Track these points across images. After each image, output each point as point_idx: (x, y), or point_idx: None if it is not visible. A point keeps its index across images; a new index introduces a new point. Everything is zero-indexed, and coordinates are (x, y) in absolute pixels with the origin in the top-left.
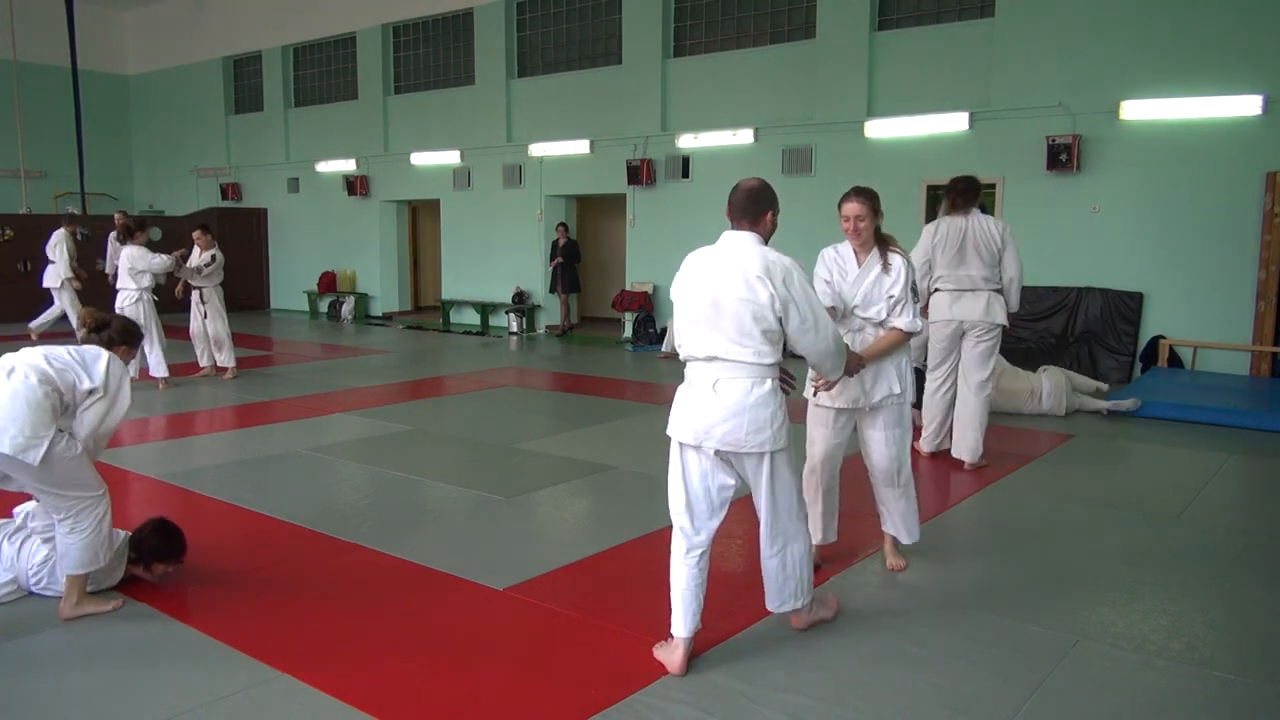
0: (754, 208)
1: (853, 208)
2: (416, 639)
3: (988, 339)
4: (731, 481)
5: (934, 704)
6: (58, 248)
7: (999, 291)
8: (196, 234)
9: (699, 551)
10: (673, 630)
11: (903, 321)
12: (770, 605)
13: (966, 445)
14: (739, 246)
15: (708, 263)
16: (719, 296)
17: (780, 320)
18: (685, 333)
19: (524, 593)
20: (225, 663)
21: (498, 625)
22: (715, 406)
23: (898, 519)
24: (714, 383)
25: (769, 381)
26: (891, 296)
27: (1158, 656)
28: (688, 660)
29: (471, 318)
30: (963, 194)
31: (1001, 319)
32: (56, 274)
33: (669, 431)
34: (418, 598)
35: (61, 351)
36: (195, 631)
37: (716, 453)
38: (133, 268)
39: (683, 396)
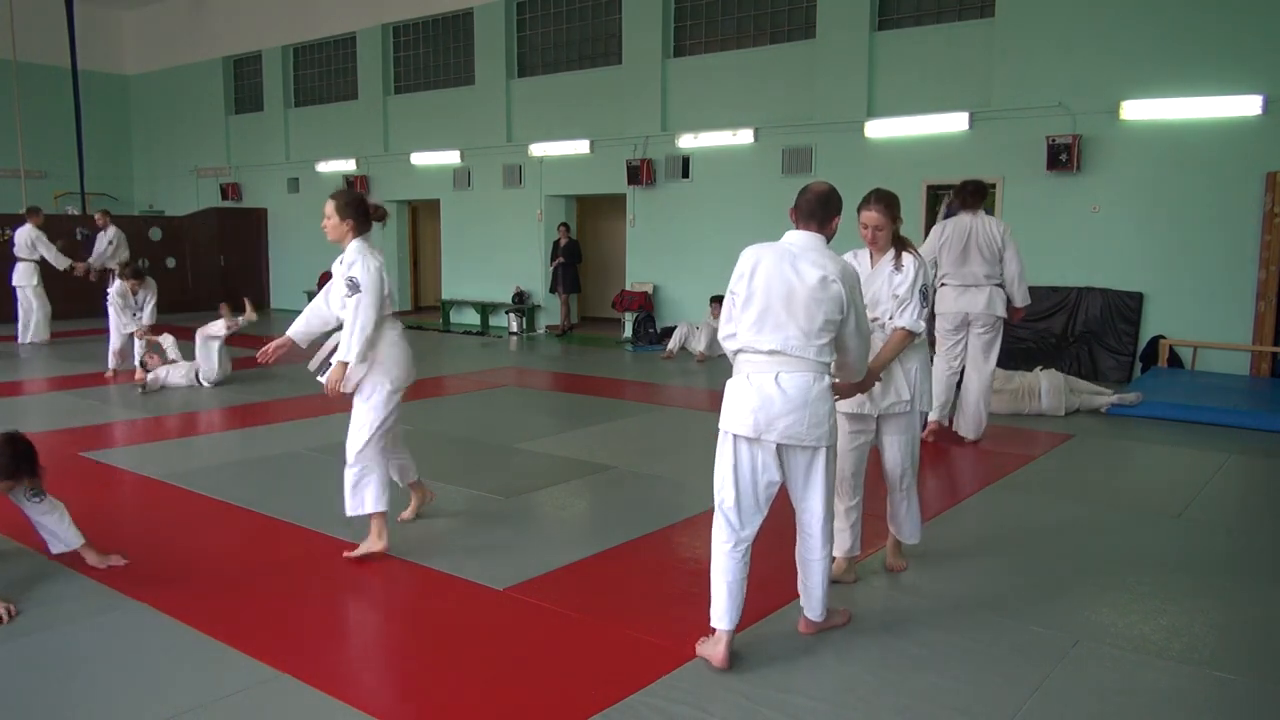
0: (823, 211)
1: (871, 217)
2: (417, 639)
3: (990, 331)
4: (779, 478)
5: (934, 704)
6: (37, 244)
7: (1000, 286)
8: (132, 283)
9: (745, 546)
10: (715, 624)
11: (904, 320)
12: (814, 614)
13: (972, 424)
14: (814, 248)
15: (780, 259)
16: (794, 294)
17: (841, 321)
18: (747, 325)
19: (524, 593)
20: (225, 663)
21: (498, 625)
22: (779, 400)
23: (900, 519)
24: (776, 376)
25: (826, 377)
26: (896, 296)
27: (1158, 656)
28: (730, 654)
29: (471, 318)
30: (973, 194)
31: (1000, 312)
32: (31, 272)
33: (723, 425)
34: (418, 598)
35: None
36: (195, 631)
37: (777, 447)
38: (114, 300)
39: (739, 389)
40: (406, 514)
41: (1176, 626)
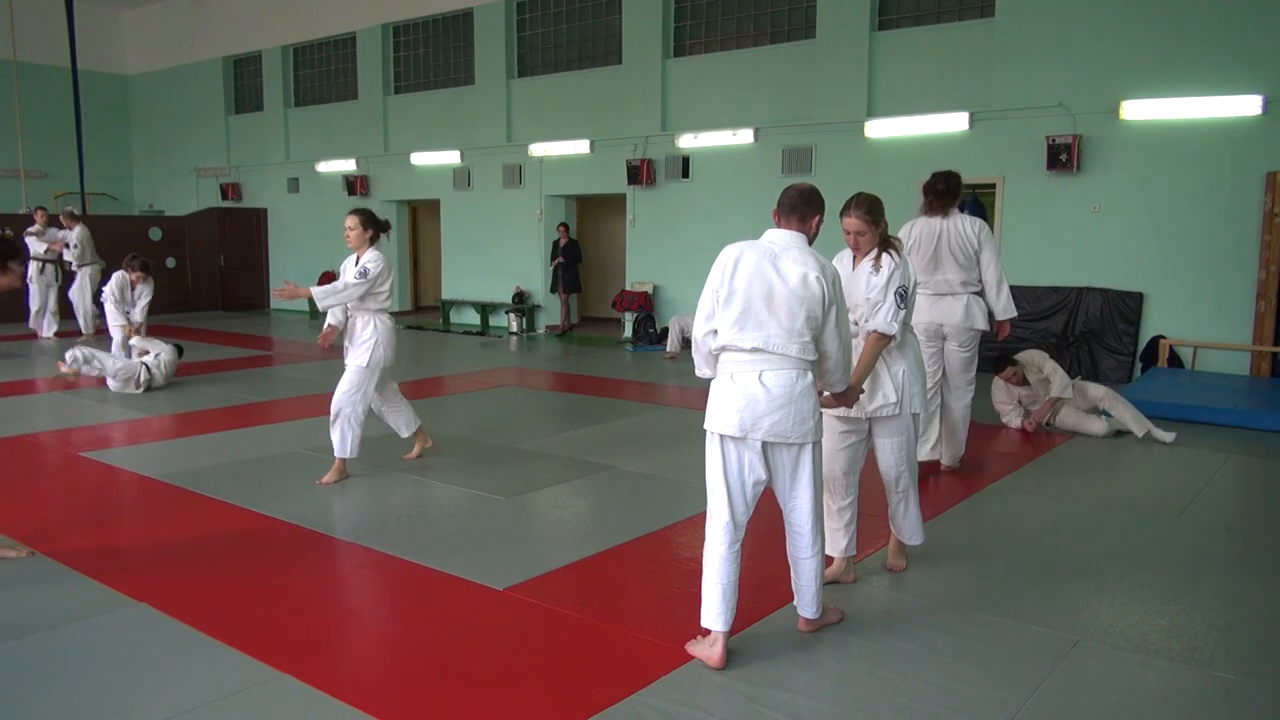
0: (805, 207)
1: (852, 223)
2: (416, 639)
3: (968, 347)
4: (765, 477)
5: (934, 704)
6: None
7: (979, 295)
8: (136, 275)
9: (739, 545)
10: (710, 625)
11: (876, 322)
12: (808, 612)
13: (949, 450)
14: (795, 245)
15: (761, 257)
16: (775, 291)
17: (822, 320)
18: (728, 324)
19: (524, 593)
20: (225, 663)
21: (498, 625)
22: (763, 398)
23: (898, 521)
24: (759, 374)
25: (810, 374)
26: (868, 299)
27: (1158, 656)
28: (726, 654)
29: (471, 318)
30: (940, 195)
31: (981, 324)
32: (38, 270)
33: (708, 425)
34: (418, 598)
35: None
36: (195, 631)
37: (762, 445)
38: (111, 293)
39: (724, 389)
40: (411, 454)
41: (1176, 626)
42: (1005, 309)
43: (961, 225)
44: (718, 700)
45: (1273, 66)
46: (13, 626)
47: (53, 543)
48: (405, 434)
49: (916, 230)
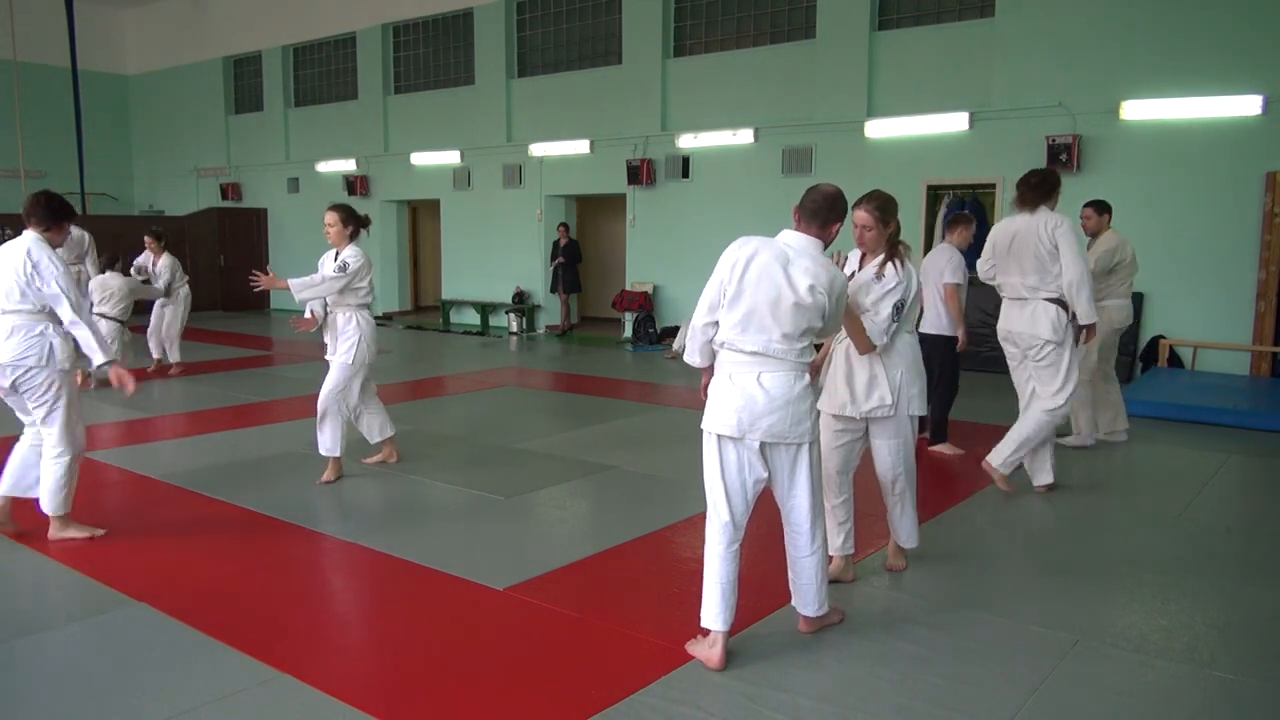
0: (829, 213)
1: (860, 216)
2: (416, 639)
3: (1043, 356)
4: (765, 475)
5: (934, 704)
6: None
7: (1056, 301)
8: (148, 240)
9: (738, 545)
10: (709, 625)
11: (868, 328)
12: (809, 610)
13: (999, 449)
14: (810, 253)
15: (774, 259)
16: (783, 299)
17: (822, 329)
18: (731, 324)
19: (524, 593)
20: (225, 663)
21: (498, 625)
22: (762, 399)
23: (895, 522)
24: (758, 376)
25: (806, 375)
26: (863, 309)
27: (1158, 656)
28: (726, 654)
29: (471, 318)
30: (1033, 188)
31: (1047, 333)
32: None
33: (706, 425)
34: (418, 598)
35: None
36: (195, 631)
37: (760, 445)
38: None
39: (723, 390)
40: (373, 459)
41: (1176, 626)
42: (1085, 313)
43: (1038, 224)
44: (718, 700)
45: (1273, 66)
46: (13, 626)
47: (52, 542)
48: (375, 439)
49: (997, 229)
